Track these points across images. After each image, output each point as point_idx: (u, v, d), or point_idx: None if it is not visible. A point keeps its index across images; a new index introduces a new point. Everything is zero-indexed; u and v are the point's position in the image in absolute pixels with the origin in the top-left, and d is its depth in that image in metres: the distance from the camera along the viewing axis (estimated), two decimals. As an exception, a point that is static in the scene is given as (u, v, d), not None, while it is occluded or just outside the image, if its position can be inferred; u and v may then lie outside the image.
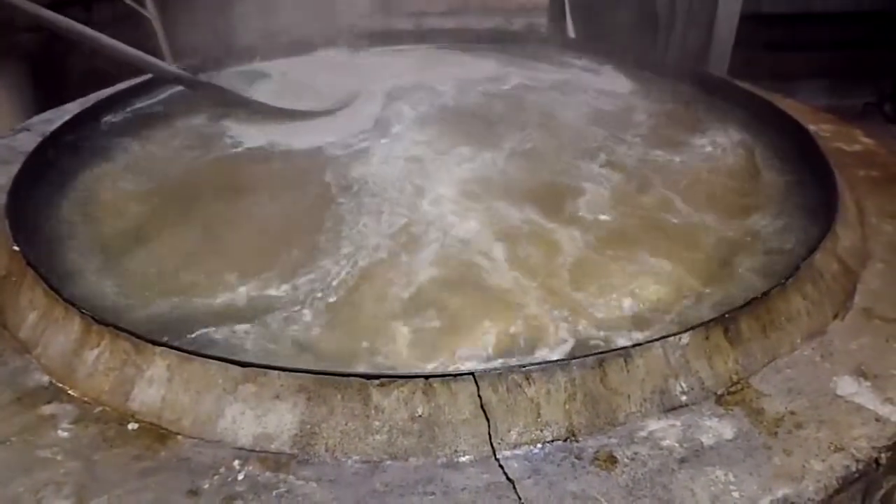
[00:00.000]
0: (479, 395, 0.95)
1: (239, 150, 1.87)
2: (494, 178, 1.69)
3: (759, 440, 0.95)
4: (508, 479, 0.89)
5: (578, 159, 1.77)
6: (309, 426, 0.94)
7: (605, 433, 0.96)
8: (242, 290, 1.29)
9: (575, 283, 1.31)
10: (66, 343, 1.08)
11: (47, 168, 1.64)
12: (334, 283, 1.30)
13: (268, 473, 0.90)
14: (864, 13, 3.33)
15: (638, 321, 1.22)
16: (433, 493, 0.88)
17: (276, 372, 0.96)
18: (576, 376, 0.97)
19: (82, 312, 1.08)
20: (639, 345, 1.02)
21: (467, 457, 0.93)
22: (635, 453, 0.93)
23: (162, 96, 2.15)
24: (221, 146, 1.88)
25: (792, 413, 1.00)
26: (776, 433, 0.96)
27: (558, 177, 1.70)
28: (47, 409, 1.01)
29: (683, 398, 1.01)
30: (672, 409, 1.00)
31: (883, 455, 0.94)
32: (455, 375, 0.95)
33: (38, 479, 0.89)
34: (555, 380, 0.97)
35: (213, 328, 1.19)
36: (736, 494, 0.87)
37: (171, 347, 1.00)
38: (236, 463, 0.92)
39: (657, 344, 1.02)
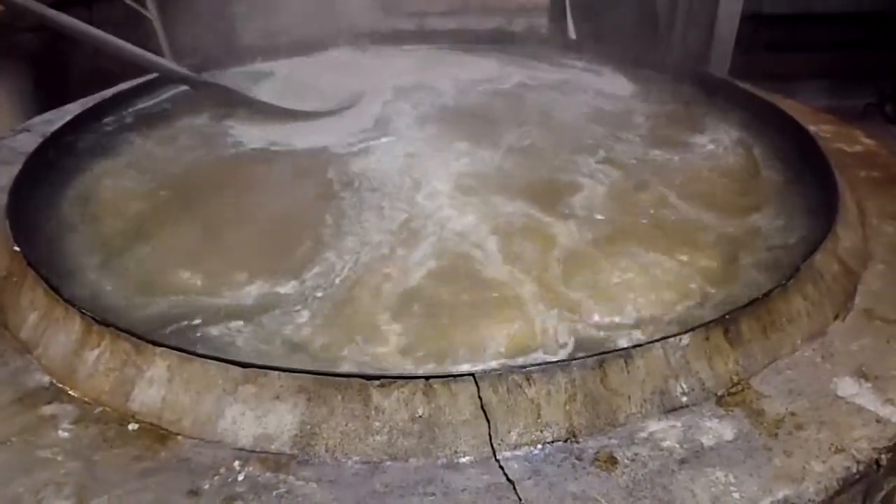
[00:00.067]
0: (480, 396, 0.95)
1: (241, 149, 1.87)
2: (492, 174, 1.70)
3: (760, 441, 0.95)
4: (509, 479, 0.89)
5: (577, 156, 1.77)
6: (309, 427, 0.94)
7: (605, 434, 0.96)
8: (246, 289, 1.29)
9: (571, 279, 1.31)
10: (67, 343, 1.08)
11: (48, 168, 1.63)
12: (337, 280, 1.31)
13: (268, 474, 0.90)
14: (864, 14, 3.33)
15: (637, 320, 1.21)
16: (433, 494, 0.88)
17: (276, 372, 0.96)
18: (576, 377, 0.97)
19: (83, 313, 1.08)
20: (639, 345, 1.02)
21: (467, 458, 0.93)
22: (635, 454, 0.93)
23: (163, 96, 2.14)
24: (223, 146, 1.88)
25: (792, 414, 1.00)
26: (776, 434, 0.96)
27: (557, 173, 1.70)
28: (48, 410, 1.01)
29: (684, 399, 1.01)
30: (672, 409, 1.00)
31: (883, 456, 0.94)
32: (455, 376, 0.95)
33: (39, 480, 0.89)
34: (555, 380, 0.97)
35: (214, 327, 1.19)
36: (736, 495, 0.87)
37: (172, 348, 1.00)
38: (236, 463, 0.92)
39: (657, 345, 1.02)
